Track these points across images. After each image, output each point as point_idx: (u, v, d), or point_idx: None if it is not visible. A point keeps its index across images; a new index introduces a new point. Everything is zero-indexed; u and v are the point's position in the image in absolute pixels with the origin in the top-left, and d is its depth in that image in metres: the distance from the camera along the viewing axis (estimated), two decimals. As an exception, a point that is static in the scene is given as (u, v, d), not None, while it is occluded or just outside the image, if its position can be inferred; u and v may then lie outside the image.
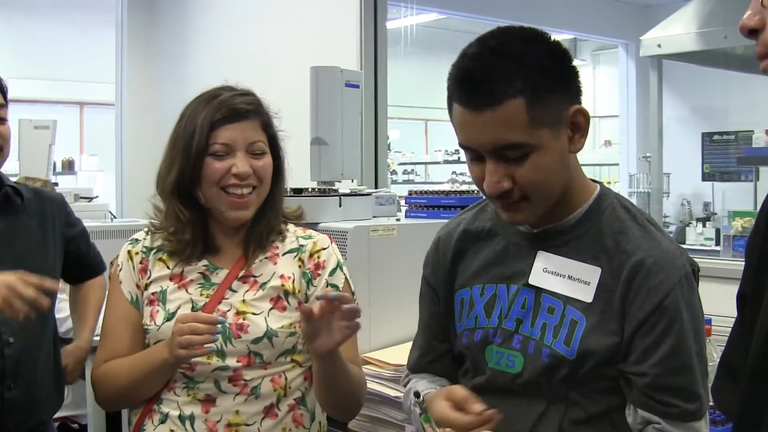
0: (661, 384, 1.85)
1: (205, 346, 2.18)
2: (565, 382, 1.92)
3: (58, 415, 2.97)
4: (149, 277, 2.45)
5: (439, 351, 2.22)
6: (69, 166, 11.59)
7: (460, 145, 1.87)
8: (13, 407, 2.68)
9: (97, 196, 6.73)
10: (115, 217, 6.30)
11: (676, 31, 6.92)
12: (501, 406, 1.94)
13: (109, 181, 8.71)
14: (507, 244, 2.05)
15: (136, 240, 2.51)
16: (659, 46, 6.95)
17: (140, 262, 2.47)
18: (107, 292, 2.54)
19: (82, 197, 5.84)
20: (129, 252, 2.49)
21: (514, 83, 1.75)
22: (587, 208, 1.96)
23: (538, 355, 1.93)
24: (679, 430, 1.86)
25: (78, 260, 3.07)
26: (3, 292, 2.30)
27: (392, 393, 2.83)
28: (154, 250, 2.47)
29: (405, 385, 2.29)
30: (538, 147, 1.79)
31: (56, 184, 5.54)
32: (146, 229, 2.52)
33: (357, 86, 3.85)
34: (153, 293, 2.42)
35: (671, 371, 1.86)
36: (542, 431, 1.92)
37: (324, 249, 2.49)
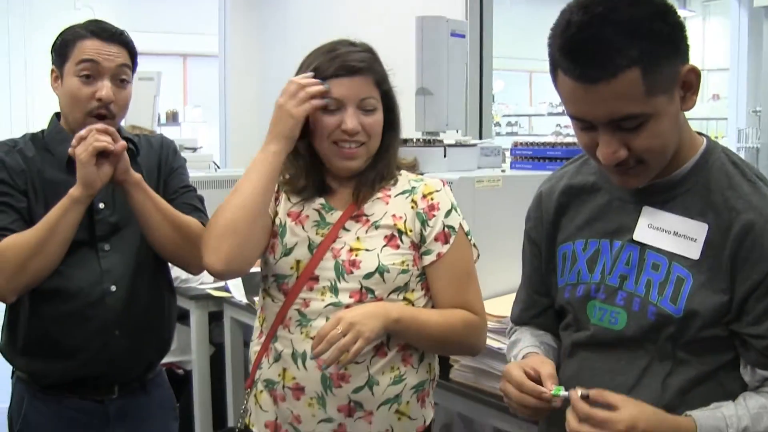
0: None
1: None
2: (672, 340, 1.90)
3: (163, 361, 3.01)
4: (278, 204, 2.51)
5: (542, 305, 2.22)
6: (173, 118, 11.75)
7: (569, 115, 1.84)
8: (118, 355, 2.74)
9: (201, 147, 6.81)
10: (219, 167, 6.37)
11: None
12: (603, 360, 1.96)
13: (212, 133, 8.79)
14: (611, 198, 2.02)
15: None
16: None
17: (276, 189, 2.51)
18: None
19: (186, 148, 5.89)
20: None
21: (629, 53, 1.69)
22: (694, 163, 1.93)
23: (643, 312, 1.92)
24: None
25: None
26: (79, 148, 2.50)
27: (495, 345, 2.83)
28: (284, 185, 2.53)
29: (509, 337, 2.30)
30: (654, 115, 1.75)
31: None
32: None
33: (462, 36, 3.82)
34: (275, 225, 2.48)
35: None
36: (645, 385, 1.91)
37: (437, 191, 2.49)
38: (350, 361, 2.26)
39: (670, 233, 1.90)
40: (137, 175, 2.65)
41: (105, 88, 2.63)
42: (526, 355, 2.10)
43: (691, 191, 1.91)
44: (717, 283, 1.86)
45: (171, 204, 2.77)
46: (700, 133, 1.99)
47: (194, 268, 2.85)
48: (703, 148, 1.95)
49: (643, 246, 1.94)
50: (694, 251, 1.87)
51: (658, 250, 1.91)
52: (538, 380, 1.93)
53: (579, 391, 1.82)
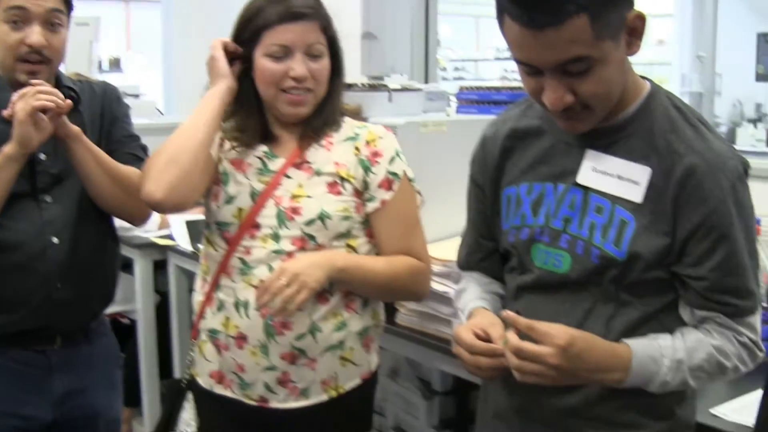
0: (719, 286, 1.88)
1: None
2: (615, 282, 1.92)
3: (108, 311, 2.99)
4: (221, 150, 2.49)
5: (487, 249, 2.22)
6: (116, 64, 11.59)
7: (516, 60, 1.83)
8: (61, 307, 2.70)
9: (144, 94, 6.73)
10: (162, 114, 6.31)
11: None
12: (547, 303, 1.98)
13: (156, 80, 8.69)
14: (555, 142, 2.02)
15: None
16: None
17: (220, 137, 2.50)
18: None
19: (129, 95, 5.80)
20: None
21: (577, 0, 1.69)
22: (637, 107, 1.93)
23: (587, 255, 1.93)
24: (736, 324, 1.91)
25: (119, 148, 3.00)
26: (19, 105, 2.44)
27: (441, 288, 2.84)
28: (227, 132, 2.51)
29: (456, 283, 2.31)
30: (600, 60, 1.75)
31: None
32: None
33: (408, -20, 3.80)
34: (217, 175, 2.46)
35: (728, 273, 1.87)
36: (589, 327, 1.92)
37: (380, 138, 2.49)
38: (294, 312, 2.26)
39: (613, 176, 1.91)
40: (76, 129, 2.60)
41: (34, 33, 2.56)
42: (473, 311, 2.10)
43: (634, 135, 1.92)
44: (659, 225, 1.87)
45: (113, 154, 2.74)
46: (643, 78, 1.99)
47: (137, 220, 2.85)
48: (646, 92, 1.95)
49: (586, 189, 1.94)
50: (637, 194, 1.88)
51: (602, 194, 1.92)
52: (488, 341, 1.94)
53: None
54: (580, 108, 1.82)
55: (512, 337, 1.83)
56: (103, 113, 2.84)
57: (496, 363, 1.90)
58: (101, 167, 2.64)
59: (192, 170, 2.32)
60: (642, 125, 1.92)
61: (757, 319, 1.94)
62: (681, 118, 1.91)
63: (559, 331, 1.81)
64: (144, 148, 2.90)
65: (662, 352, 1.88)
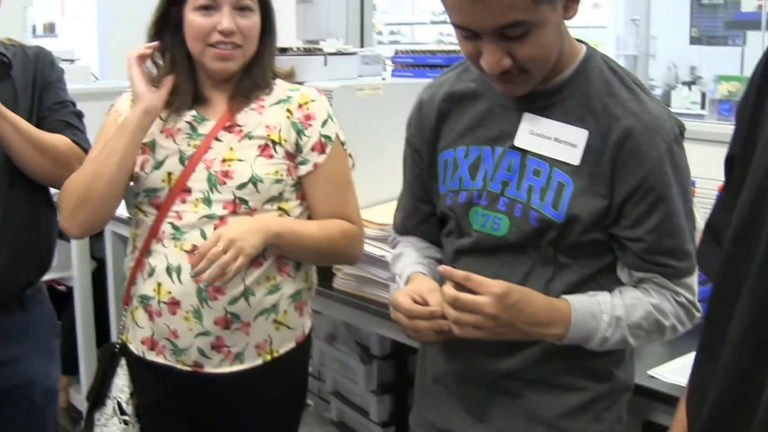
0: (656, 248, 1.90)
1: None
2: (553, 244, 1.93)
3: (44, 278, 2.95)
4: None
5: (424, 213, 2.22)
6: (50, 29, 11.42)
7: (453, 23, 1.81)
8: None
9: (79, 59, 6.64)
10: (97, 79, 6.23)
11: None
12: (486, 266, 1.97)
13: (91, 44, 8.58)
14: (492, 105, 2.02)
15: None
16: None
17: None
18: (102, 127, 2.55)
19: (63, 59, 5.73)
20: (130, 101, 2.49)
21: None
22: (573, 70, 1.93)
23: (525, 218, 1.93)
24: (674, 285, 1.94)
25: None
26: None
27: (377, 252, 2.85)
28: None
29: (393, 248, 2.30)
30: (538, 24, 1.74)
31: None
32: None
33: (343, -58, 3.78)
34: (144, 143, 2.42)
35: (665, 234, 1.89)
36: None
37: (313, 101, 2.48)
38: (231, 279, 2.25)
39: (550, 139, 1.91)
40: None
41: None
42: (411, 276, 2.10)
43: (570, 98, 1.92)
44: (597, 188, 1.88)
45: (44, 121, 2.71)
46: (579, 41, 1.99)
47: None
48: (582, 55, 1.95)
49: (524, 152, 1.94)
50: (574, 157, 1.89)
51: (539, 156, 1.92)
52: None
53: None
54: (517, 71, 1.82)
55: (449, 290, 1.82)
56: (35, 79, 2.78)
57: (434, 326, 1.89)
58: (23, 137, 2.59)
59: (105, 205, 2.40)
60: (578, 88, 1.92)
61: (694, 280, 1.96)
62: (617, 81, 1.92)
63: (495, 282, 1.81)
64: (78, 114, 2.86)
65: (601, 308, 1.89)
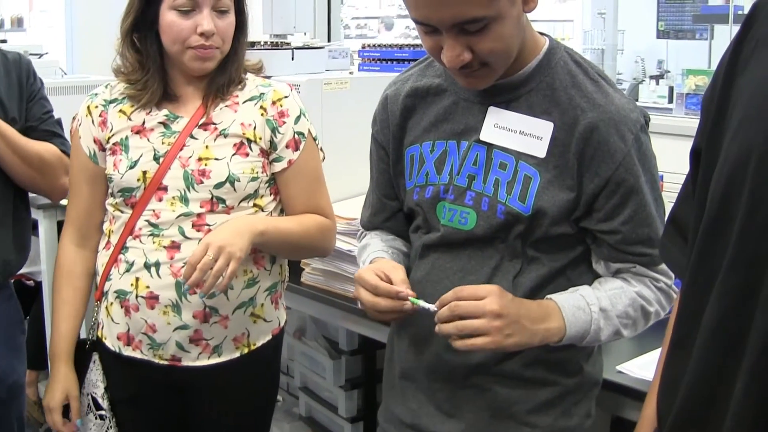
0: (631, 238, 1.91)
1: None
2: (521, 238, 1.93)
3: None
4: (111, 130, 2.44)
5: (391, 209, 2.22)
6: (18, 23, 11.35)
7: (413, 19, 1.81)
8: None
9: (47, 53, 6.63)
10: (66, 73, 6.21)
11: None
12: (454, 260, 1.98)
13: (59, 38, 8.55)
14: (457, 99, 2.02)
15: (95, 94, 2.51)
16: None
17: (99, 115, 2.46)
18: (71, 151, 2.55)
19: (32, 54, 5.72)
20: (88, 107, 2.49)
21: None
22: (537, 62, 1.93)
23: (492, 212, 1.93)
24: (651, 272, 1.96)
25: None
26: None
27: (345, 246, 2.85)
28: (114, 103, 2.47)
29: (360, 241, 2.30)
30: (497, 17, 1.74)
31: (4, 41, 5.39)
32: (106, 84, 2.51)
33: (310, -64, 3.77)
34: (115, 143, 2.42)
35: (639, 224, 1.91)
36: (497, 284, 1.90)
37: (286, 97, 2.48)
38: (226, 285, 2.26)
39: (516, 132, 1.91)
40: None
41: None
42: (375, 260, 2.10)
43: (535, 90, 1.92)
44: (564, 180, 1.89)
45: (33, 131, 2.74)
46: (542, 34, 2.00)
47: (55, 197, 2.86)
48: (545, 48, 1.95)
49: (490, 146, 1.94)
50: (540, 149, 1.89)
51: (505, 150, 1.92)
52: (390, 284, 1.93)
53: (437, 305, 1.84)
54: (478, 65, 1.82)
55: (446, 300, 1.81)
56: (20, 87, 2.80)
57: (396, 305, 1.89)
58: (10, 148, 2.63)
59: None
60: (543, 80, 1.92)
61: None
62: (581, 73, 1.93)
63: (486, 285, 1.83)
64: (59, 122, 2.91)
65: (587, 301, 1.90)
